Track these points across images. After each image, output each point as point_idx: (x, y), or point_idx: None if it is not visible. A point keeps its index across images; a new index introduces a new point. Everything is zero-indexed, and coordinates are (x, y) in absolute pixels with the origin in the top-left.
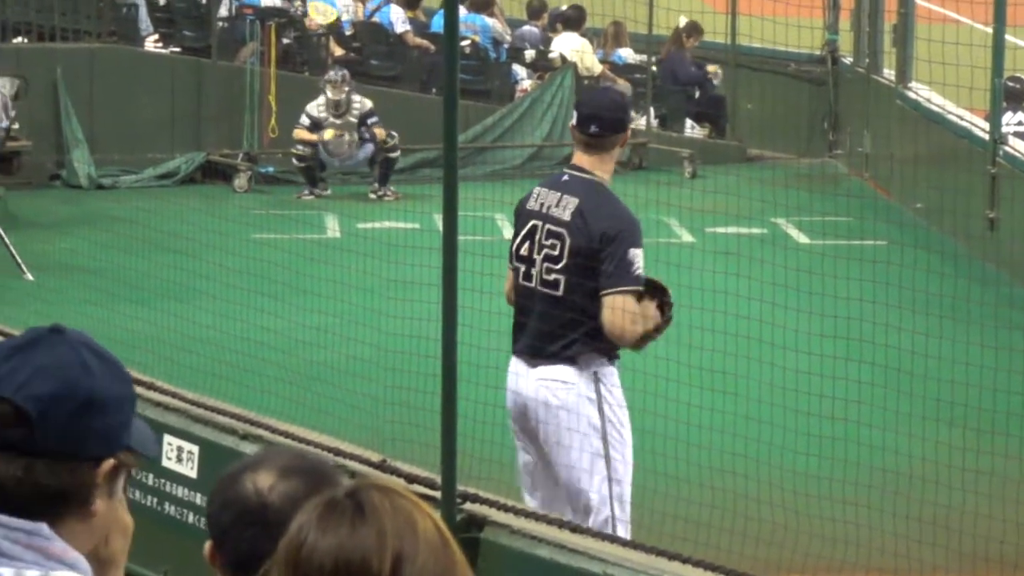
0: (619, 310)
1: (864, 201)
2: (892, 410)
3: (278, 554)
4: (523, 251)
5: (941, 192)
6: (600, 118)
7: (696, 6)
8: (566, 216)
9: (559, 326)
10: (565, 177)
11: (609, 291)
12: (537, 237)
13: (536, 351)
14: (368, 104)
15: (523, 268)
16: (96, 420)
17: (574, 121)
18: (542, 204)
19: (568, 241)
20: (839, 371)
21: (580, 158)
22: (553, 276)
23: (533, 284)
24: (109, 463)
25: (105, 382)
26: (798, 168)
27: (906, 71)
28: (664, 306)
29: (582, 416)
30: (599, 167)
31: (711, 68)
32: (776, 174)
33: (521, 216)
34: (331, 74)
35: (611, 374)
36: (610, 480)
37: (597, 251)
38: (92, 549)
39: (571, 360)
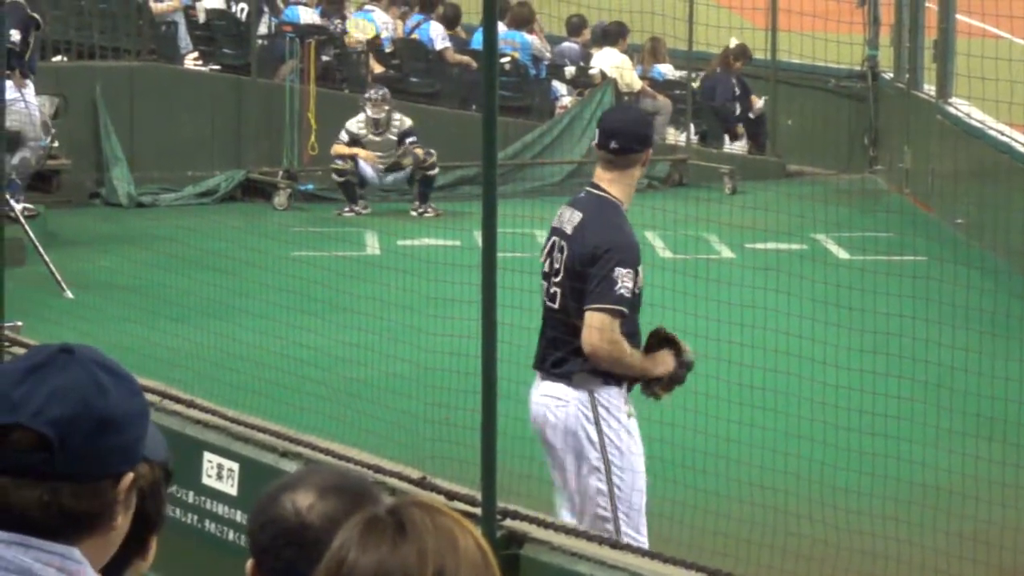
0: (593, 328)
1: (904, 217)
2: (933, 426)
3: (319, 571)
4: (545, 267)
5: (981, 207)
6: (620, 134)
7: (736, 22)
8: (570, 230)
9: (555, 340)
10: (583, 194)
11: (588, 307)
12: (555, 253)
13: (540, 365)
14: (408, 123)
15: (544, 284)
16: (114, 438)
17: (595, 139)
18: (561, 220)
19: (566, 254)
20: (879, 387)
21: (599, 175)
22: (554, 289)
23: (546, 299)
24: (129, 478)
25: (120, 400)
26: (838, 184)
27: (946, 86)
28: (682, 363)
29: (579, 435)
30: (615, 185)
31: (755, 100)
32: (816, 190)
33: (549, 233)
34: (371, 92)
35: (611, 395)
36: (612, 496)
37: (587, 267)
38: None
39: (566, 378)
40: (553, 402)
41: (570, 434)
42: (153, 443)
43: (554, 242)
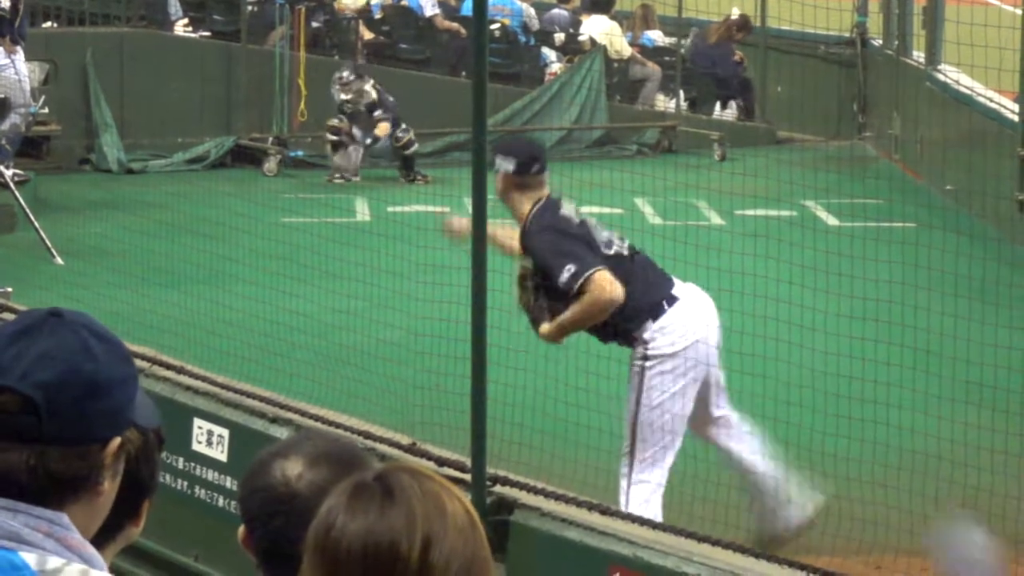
0: None
1: (893, 183)
2: (922, 392)
3: (308, 537)
4: (608, 237)
5: (970, 174)
6: (536, 158)
7: None
8: None
9: None
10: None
11: None
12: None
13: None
14: (372, 96)
15: (623, 244)
16: (102, 402)
17: (512, 169)
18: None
19: None
20: (869, 353)
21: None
22: None
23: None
24: (116, 443)
25: (108, 364)
26: (827, 150)
27: (935, 53)
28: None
29: None
30: None
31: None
32: (806, 156)
33: (582, 225)
34: (341, 75)
35: None
36: None
37: None
38: None
39: None
40: None
41: None
42: (145, 410)
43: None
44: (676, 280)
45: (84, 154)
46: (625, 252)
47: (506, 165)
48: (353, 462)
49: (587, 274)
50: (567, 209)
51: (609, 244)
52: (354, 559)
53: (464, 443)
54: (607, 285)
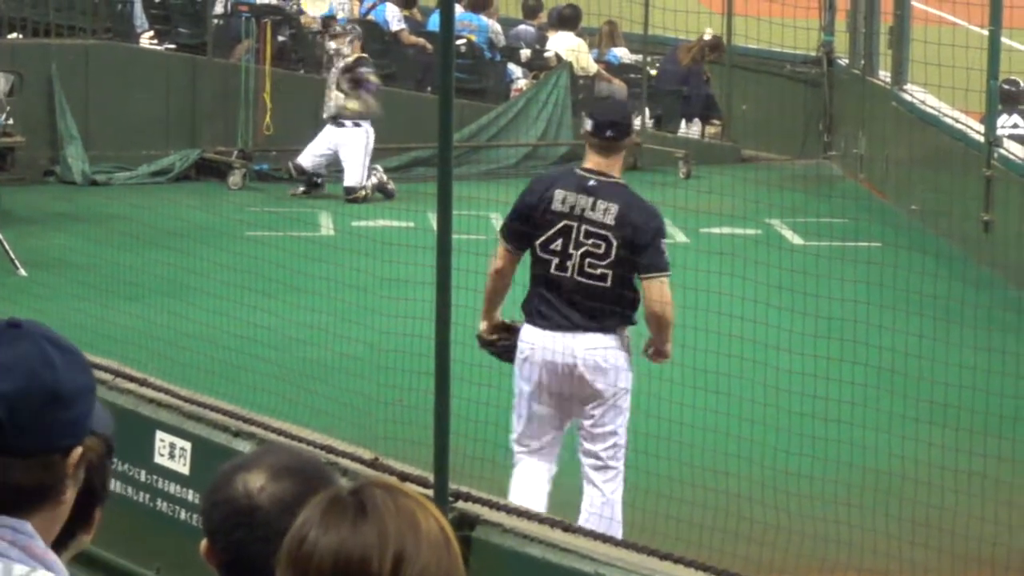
0: (657, 292)
1: (859, 203)
2: (885, 411)
3: (281, 549)
4: (555, 246)
5: (936, 194)
6: (615, 124)
7: (692, 6)
8: (609, 220)
9: (603, 307)
10: (592, 183)
11: (650, 276)
12: (573, 236)
13: (575, 326)
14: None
15: (556, 260)
16: (63, 413)
17: (589, 128)
18: (572, 207)
19: (615, 242)
20: (832, 372)
21: (597, 161)
22: (600, 271)
23: (569, 274)
24: (78, 452)
25: (68, 374)
26: (793, 169)
27: (902, 73)
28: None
29: (624, 371)
30: (615, 168)
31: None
32: (771, 175)
33: (546, 216)
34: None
35: (629, 337)
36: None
37: (644, 247)
38: None
39: (611, 330)
40: (604, 351)
41: (621, 372)
42: (99, 415)
43: (571, 227)
44: (548, 331)
45: (48, 166)
46: (556, 270)
47: (585, 124)
48: (315, 476)
49: (499, 237)
50: (563, 196)
51: (547, 248)
52: (324, 573)
53: (427, 458)
54: (493, 257)
